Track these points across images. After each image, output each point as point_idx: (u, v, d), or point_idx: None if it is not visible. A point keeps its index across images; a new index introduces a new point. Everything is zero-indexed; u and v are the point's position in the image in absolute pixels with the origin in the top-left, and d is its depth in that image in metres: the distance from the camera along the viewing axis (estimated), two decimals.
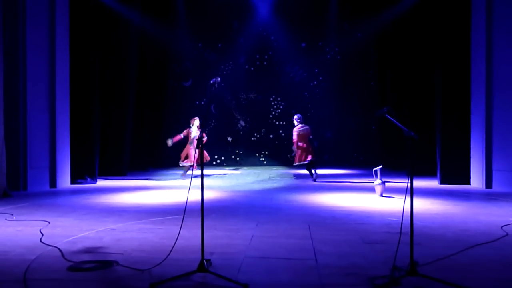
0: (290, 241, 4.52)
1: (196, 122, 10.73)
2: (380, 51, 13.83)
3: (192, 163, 10.34)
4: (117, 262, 3.72)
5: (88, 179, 9.69)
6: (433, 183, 9.50)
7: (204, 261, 3.36)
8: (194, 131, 10.59)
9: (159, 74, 14.51)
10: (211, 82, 3.73)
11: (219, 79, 3.76)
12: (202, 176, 3.53)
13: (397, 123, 3.66)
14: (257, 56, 15.29)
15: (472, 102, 9.29)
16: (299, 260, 3.83)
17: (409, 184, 3.44)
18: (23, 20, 8.36)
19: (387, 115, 3.80)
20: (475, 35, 9.16)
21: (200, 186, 3.55)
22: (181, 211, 6.13)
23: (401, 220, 5.32)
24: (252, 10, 14.69)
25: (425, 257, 3.82)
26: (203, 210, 3.50)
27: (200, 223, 4.74)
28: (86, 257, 3.91)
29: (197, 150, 10.13)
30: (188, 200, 7.20)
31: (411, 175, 3.38)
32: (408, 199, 3.56)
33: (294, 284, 3.29)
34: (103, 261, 3.80)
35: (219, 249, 4.15)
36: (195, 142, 9.86)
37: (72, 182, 9.51)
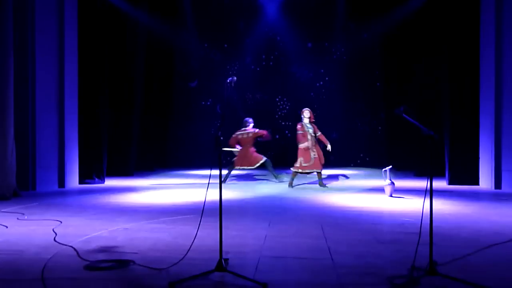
0: (304, 241, 4.51)
1: (306, 113, 9.14)
2: (387, 52, 13.79)
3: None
4: (133, 261, 3.71)
5: (96, 179, 9.70)
6: (441, 184, 9.46)
7: (222, 260, 3.35)
8: (309, 126, 9.08)
9: (165, 74, 14.52)
10: (228, 81, 3.72)
11: (235, 78, 3.75)
12: (220, 176, 3.52)
13: (415, 122, 3.64)
14: (263, 57, 15.29)
15: (481, 102, 9.26)
16: (315, 260, 3.82)
17: (428, 184, 3.43)
18: (32, 21, 8.36)
19: (404, 115, 3.79)
20: (484, 34, 9.11)
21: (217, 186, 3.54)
22: (192, 211, 6.15)
23: (416, 220, 5.34)
24: (258, 10, 14.68)
25: (441, 257, 3.79)
26: (221, 209, 3.49)
27: (213, 223, 4.77)
28: (101, 256, 3.91)
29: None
30: (199, 200, 7.22)
31: (431, 175, 3.37)
32: (422, 197, 3.54)
33: (312, 283, 3.28)
34: (119, 260, 3.80)
35: (234, 249, 4.13)
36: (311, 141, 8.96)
37: (80, 182, 9.52)
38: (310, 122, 9.16)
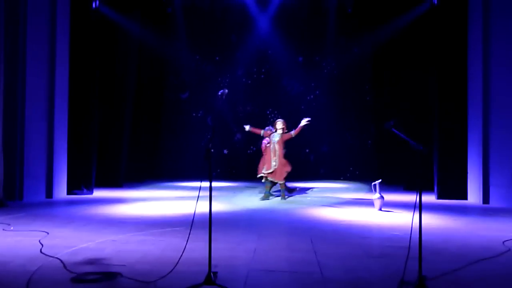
0: (294, 254, 4.49)
1: (279, 125, 9.12)
2: (377, 67, 13.94)
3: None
4: (121, 274, 3.67)
5: (85, 190, 9.59)
6: (430, 198, 9.50)
7: (211, 273, 3.32)
8: (276, 135, 9.09)
9: (156, 86, 14.49)
10: (219, 93, 3.74)
11: (226, 90, 3.77)
12: (210, 188, 3.51)
13: (404, 136, 3.67)
14: (255, 70, 15.34)
15: (469, 117, 9.37)
16: (305, 274, 3.81)
17: (417, 199, 3.44)
18: (24, 29, 8.34)
19: (393, 129, 3.82)
20: (472, 50, 9.27)
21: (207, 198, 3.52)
22: (181, 223, 6.11)
23: (405, 234, 5.35)
24: (250, 24, 14.77)
25: (430, 271, 3.80)
26: (211, 221, 3.47)
27: (202, 235, 4.73)
28: (88, 269, 3.86)
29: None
30: (188, 212, 7.16)
31: (420, 189, 3.39)
32: (411, 211, 3.56)
33: None
34: (106, 272, 3.75)
35: (223, 262, 4.10)
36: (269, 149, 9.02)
37: (68, 193, 9.41)
38: (283, 133, 9.12)
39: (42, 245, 4.68)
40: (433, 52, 9.83)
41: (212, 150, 3.38)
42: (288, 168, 9.07)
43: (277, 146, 9.02)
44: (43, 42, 8.84)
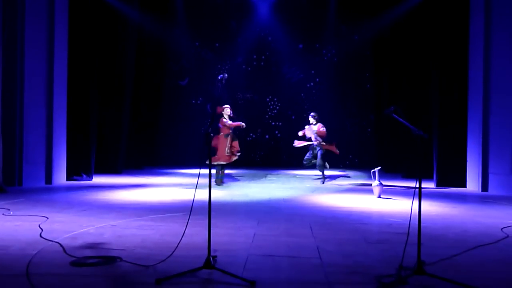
0: (293, 240, 4.51)
1: (227, 111, 9.33)
2: (377, 54, 13.86)
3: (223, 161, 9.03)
4: (120, 258, 3.68)
5: (84, 176, 9.60)
6: (429, 185, 9.53)
7: (211, 257, 3.33)
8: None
9: (156, 72, 14.41)
10: (219, 78, 3.71)
11: (226, 75, 3.74)
12: (209, 173, 3.50)
13: (405, 122, 3.66)
14: (254, 57, 15.28)
15: (469, 105, 9.35)
16: (304, 258, 3.82)
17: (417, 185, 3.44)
18: (22, 15, 8.27)
19: (393, 115, 3.80)
20: (473, 39, 9.21)
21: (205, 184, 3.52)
22: (180, 209, 6.13)
23: (404, 220, 5.38)
24: (250, 10, 14.67)
25: (428, 257, 3.81)
26: (210, 206, 3.47)
27: (201, 221, 4.76)
28: (88, 253, 3.87)
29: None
30: (187, 199, 7.19)
31: (420, 175, 3.38)
32: (410, 198, 3.56)
33: (300, 281, 3.28)
34: (105, 256, 3.76)
35: (222, 247, 4.12)
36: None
37: (67, 179, 9.41)
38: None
39: (42, 229, 4.69)
40: (434, 40, 9.76)
41: (212, 135, 3.35)
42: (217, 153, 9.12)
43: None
44: (42, 27, 8.76)
